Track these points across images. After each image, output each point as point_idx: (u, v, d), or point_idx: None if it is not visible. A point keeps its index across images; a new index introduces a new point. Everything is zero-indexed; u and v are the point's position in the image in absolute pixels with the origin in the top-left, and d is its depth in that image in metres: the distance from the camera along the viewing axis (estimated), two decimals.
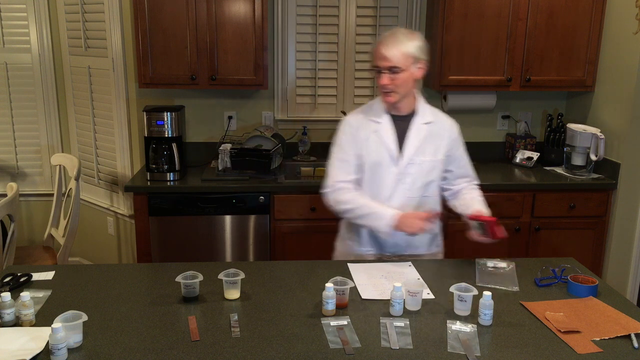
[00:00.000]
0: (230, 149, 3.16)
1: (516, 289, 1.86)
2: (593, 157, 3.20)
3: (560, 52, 3.30)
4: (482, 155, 3.72)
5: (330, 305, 1.65)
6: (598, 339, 1.55)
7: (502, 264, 2.02)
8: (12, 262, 2.77)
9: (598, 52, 3.32)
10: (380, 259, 2.16)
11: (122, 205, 3.67)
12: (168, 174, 3.09)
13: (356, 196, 2.07)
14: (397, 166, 2.07)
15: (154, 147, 3.08)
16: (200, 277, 1.74)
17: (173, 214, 3.02)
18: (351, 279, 1.90)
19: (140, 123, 3.44)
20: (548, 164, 3.51)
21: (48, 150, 3.84)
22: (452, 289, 1.69)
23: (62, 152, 3.86)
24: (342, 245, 2.26)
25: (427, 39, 3.44)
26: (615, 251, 3.20)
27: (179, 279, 1.73)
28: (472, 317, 1.66)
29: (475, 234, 2.06)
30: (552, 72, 3.33)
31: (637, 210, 3.11)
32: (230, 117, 3.55)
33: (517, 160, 3.54)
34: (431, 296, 1.80)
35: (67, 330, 1.42)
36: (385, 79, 1.97)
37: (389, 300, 1.69)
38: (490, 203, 3.10)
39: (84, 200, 3.85)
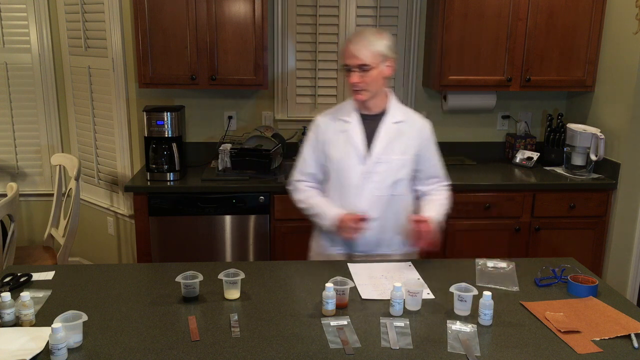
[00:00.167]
0: (230, 149, 3.17)
1: (516, 289, 1.86)
2: (593, 157, 3.20)
3: (560, 52, 3.30)
4: (482, 155, 3.72)
5: (330, 305, 1.65)
6: (598, 339, 1.55)
7: (502, 264, 2.02)
8: (12, 262, 2.77)
9: (598, 52, 3.32)
10: (350, 258, 2.17)
11: (122, 205, 3.67)
12: (168, 174, 3.09)
13: (310, 195, 2.15)
14: (364, 165, 2.08)
15: (154, 147, 3.08)
16: (200, 277, 1.74)
17: (173, 214, 3.02)
18: (351, 279, 1.90)
19: (140, 123, 3.44)
20: (548, 164, 3.51)
21: (48, 150, 3.84)
22: (452, 289, 1.69)
23: (62, 152, 3.86)
24: (316, 245, 2.29)
25: (427, 39, 3.49)
26: (615, 251, 3.20)
27: (179, 279, 1.73)
28: (472, 317, 1.66)
29: (406, 236, 2.07)
30: (552, 72, 3.33)
31: (637, 210, 3.11)
32: (230, 117, 3.55)
33: (517, 160, 3.54)
34: (431, 296, 1.80)
35: (67, 330, 1.42)
36: (355, 77, 2.00)
37: (389, 300, 1.69)
38: (490, 203, 3.13)
39: (84, 200, 3.85)
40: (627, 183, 3.13)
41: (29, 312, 1.57)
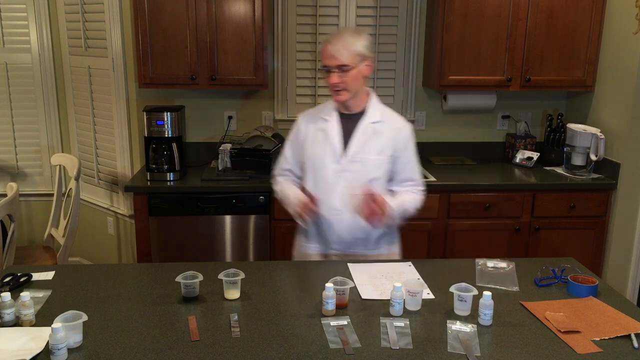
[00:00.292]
0: (230, 149, 3.17)
1: (516, 289, 1.86)
2: (593, 157, 3.20)
3: (560, 52, 3.30)
4: (482, 155, 3.72)
5: (330, 305, 1.65)
6: (598, 339, 1.55)
7: (502, 264, 2.02)
8: (12, 262, 2.77)
9: (598, 52, 3.32)
10: (326, 257, 2.18)
11: (122, 205, 3.67)
12: (168, 174, 3.09)
13: (284, 187, 2.21)
14: (339, 163, 2.09)
15: (154, 147, 3.08)
16: (200, 277, 1.74)
17: (173, 214, 3.02)
18: (351, 279, 1.90)
19: (140, 123, 3.44)
20: (548, 164, 3.51)
21: (48, 150, 3.84)
22: (452, 289, 1.69)
23: (62, 152, 3.86)
24: (297, 244, 2.31)
25: (427, 39, 3.49)
26: (615, 251, 3.20)
27: (179, 279, 1.73)
28: (472, 317, 1.66)
29: (355, 205, 2.03)
30: (552, 72, 3.33)
31: (637, 210, 3.11)
32: (230, 117, 3.55)
33: (517, 160, 3.54)
34: (431, 296, 1.80)
35: (67, 330, 1.42)
36: (334, 77, 2.02)
37: (389, 300, 1.69)
38: (490, 203, 3.13)
39: (84, 200, 3.85)
40: (627, 183, 3.13)
41: (29, 312, 1.57)
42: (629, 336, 1.56)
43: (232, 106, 3.56)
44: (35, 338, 1.49)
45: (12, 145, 3.82)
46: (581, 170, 3.28)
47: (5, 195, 2.72)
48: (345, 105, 2.11)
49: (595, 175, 3.26)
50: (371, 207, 1.94)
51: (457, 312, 1.68)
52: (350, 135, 2.12)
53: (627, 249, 3.15)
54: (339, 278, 1.74)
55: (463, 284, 1.70)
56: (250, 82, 3.20)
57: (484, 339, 1.55)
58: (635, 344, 1.51)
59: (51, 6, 3.66)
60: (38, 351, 1.43)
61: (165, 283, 1.85)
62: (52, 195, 3.44)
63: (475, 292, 1.67)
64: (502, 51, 3.27)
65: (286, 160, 2.27)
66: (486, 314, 1.61)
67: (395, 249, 2.27)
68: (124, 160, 3.56)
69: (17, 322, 1.58)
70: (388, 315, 1.67)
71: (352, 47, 1.99)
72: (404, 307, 1.68)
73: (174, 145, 3.09)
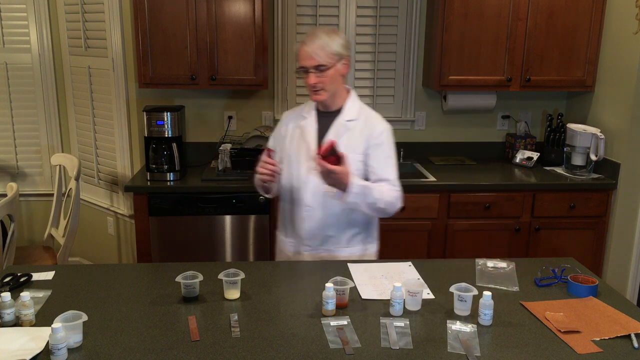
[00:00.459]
0: (230, 149, 3.17)
1: (516, 289, 1.86)
2: (593, 157, 3.20)
3: (560, 52, 3.30)
4: (482, 155, 3.72)
5: (330, 305, 1.65)
6: (598, 339, 1.55)
7: (502, 264, 2.02)
8: (12, 262, 2.77)
9: (598, 52, 3.32)
10: (298, 254, 2.19)
11: (122, 205, 3.67)
12: (168, 174, 3.09)
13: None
14: (311, 160, 2.09)
15: (154, 147, 3.08)
16: (200, 277, 1.74)
17: (173, 214, 3.02)
18: (351, 279, 1.90)
19: (140, 123, 3.44)
20: (548, 164, 3.51)
21: (48, 150, 3.84)
22: (452, 289, 1.69)
23: (62, 152, 3.86)
24: (277, 237, 2.32)
25: (427, 39, 3.49)
26: (615, 251, 3.20)
27: (179, 279, 1.73)
28: (472, 317, 1.66)
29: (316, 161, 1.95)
30: (552, 72, 3.33)
31: (637, 210, 3.11)
32: (230, 117, 3.55)
33: (517, 160, 3.54)
34: (431, 296, 1.80)
35: (67, 330, 1.42)
36: (312, 78, 2.03)
37: (389, 300, 1.69)
38: (490, 203, 3.13)
39: (84, 200, 3.85)
40: (627, 183, 3.13)
41: (29, 312, 1.57)
42: (629, 336, 1.56)
43: (232, 106, 3.56)
44: (35, 338, 1.49)
45: (12, 145, 3.82)
46: (581, 170, 3.28)
47: (5, 195, 2.72)
48: (324, 104, 2.14)
49: (595, 175, 3.26)
50: (326, 166, 1.86)
51: (457, 312, 1.68)
52: (326, 133, 2.13)
53: (627, 249, 3.15)
54: (339, 278, 1.74)
55: (463, 284, 1.70)
56: (250, 82, 3.20)
57: (484, 339, 1.55)
58: (635, 344, 1.51)
59: (51, 6, 3.66)
60: (38, 351, 1.43)
61: (165, 283, 1.85)
62: (52, 195, 3.44)
63: (475, 292, 1.67)
64: (502, 51, 3.27)
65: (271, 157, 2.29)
66: (486, 314, 1.61)
67: (372, 249, 2.24)
68: (124, 160, 3.57)
69: (17, 322, 1.58)
70: (388, 315, 1.67)
71: (328, 47, 2.00)
72: (404, 307, 1.68)
73: (174, 145, 3.09)
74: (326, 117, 2.15)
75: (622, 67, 3.13)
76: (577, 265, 2.07)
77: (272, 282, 1.89)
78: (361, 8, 3.48)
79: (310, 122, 2.16)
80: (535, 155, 3.49)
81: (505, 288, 1.86)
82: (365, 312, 1.69)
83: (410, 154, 3.65)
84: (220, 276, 1.75)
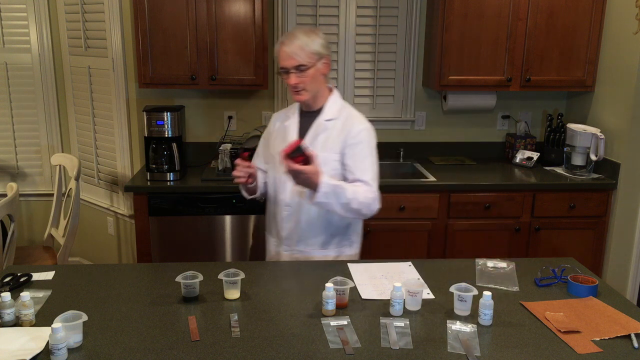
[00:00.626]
0: (230, 149, 3.16)
1: (516, 289, 1.86)
2: (593, 157, 3.20)
3: (560, 52, 3.30)
4: (482, 155, 3.72)
5: (330, 305, 1.65)
6: (598, 339, 1.55)
7: (502, 264, 2.02)
8: (12, 262, 2.77)
9: (598, 52, 3.32)
10: (278, 255, 2.22)
11: (122, 205, 3.67)
12: (168, 174, 3.09)
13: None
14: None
15: (154, 147, 3.08)
16: (200, 277, 1.75)
17: (173, 214, 3.02)
18: (351, 279, 1.90)
19: (140, 123, 3.44)
20: (548, 164, 3.51)
21: (48, 150, 3.84)
22: (452, 289, 1.69)
23: (62, 152, 3.86)
24: (265, 237, 2.35)
25: (427, 39, 3.49)
26: (615, 251, 3.20)
27: (179, 279, 1.73)
28: (472, 317, 1.66)
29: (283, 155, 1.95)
30: (552, 72, 3.33)
31: (637, 210, 3.11)
32: (230, 117, 3.55)
33: (517, 160, 3.54)
34: (431, 296, 1.80)
35: (67, 330, 1.42)
36: (293, 78, 2.03)
37: (389, 300, 1.69)
38: (490, 203, 3.13)
39: (84, 200, 3.85)
40: (627, 183, 3.13)
41: (29, 312, 1.57)
42: (629, 336, 1.56)
43: (232, 106, 3.56)
44: (35, 338, 1.49)
45: (12, 145, 3.82)
46: (581, 170, 3.28)
47: (5, 195, 2.72)
48: (306, 103, 2.15)
49: (595, 175, 3.26)
50: (297, 160, 1.85)
51: (457, 312, 1.68)
52: (307, 132, 2.15)
53: (627, 249, 3.15)
54: (339, 278, 1.74)
55: (463, 284, 1.70)
56: (250, 82, 3.20)
57: (484, 339, 1.55)
58: (635, 344, 1.51)
59: (51, 6, 3.66)
60: (38, 351, 1.43)
61: (165, 283, 1.85)
62: (52, 195, 3.44)
63: (475, 292, 1.67)
64: (502, 51, 3.27)
65: (257, 155, 2.35)
66: (486, 314, 1.61)
67: (352, 251, 2.22)
68: (124, 160, 3.57)
69: (17, 322, 1.58)
70: (388, 315, 1.67)
71: (308, 47, 2.00)
72: (404, 307, 1.68)
73: (174, 145, 3.09)
74: (308, 116, 2.16)
75: (622, 67, 3.13)
76: (577, 265, 2.07)
77: (272, 282, 1.89)
78: (361, 8, 3.48)
79: (293, 122, 2.18)
80: (535, 155, 3.49)
81: (505, 288, 1.86)
82: (365, 312, 1.69)
83: (410, 154, 3.65)
84: (220, 276, 1.75)
